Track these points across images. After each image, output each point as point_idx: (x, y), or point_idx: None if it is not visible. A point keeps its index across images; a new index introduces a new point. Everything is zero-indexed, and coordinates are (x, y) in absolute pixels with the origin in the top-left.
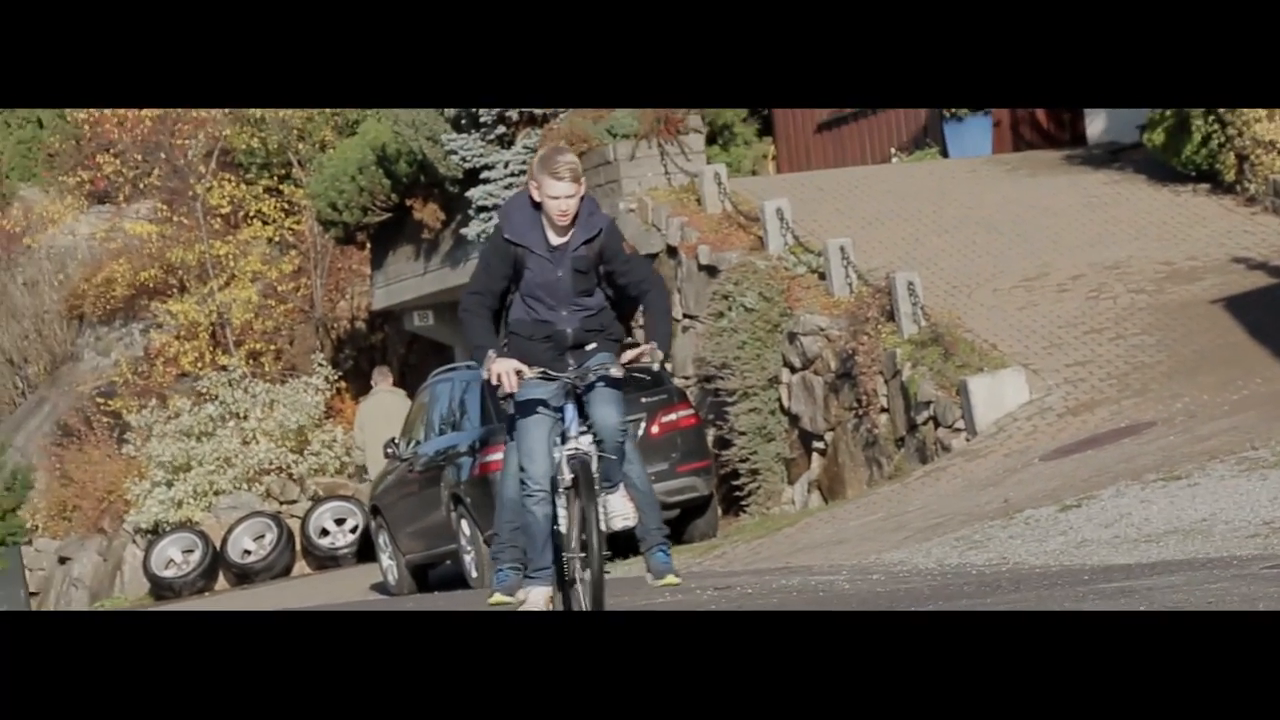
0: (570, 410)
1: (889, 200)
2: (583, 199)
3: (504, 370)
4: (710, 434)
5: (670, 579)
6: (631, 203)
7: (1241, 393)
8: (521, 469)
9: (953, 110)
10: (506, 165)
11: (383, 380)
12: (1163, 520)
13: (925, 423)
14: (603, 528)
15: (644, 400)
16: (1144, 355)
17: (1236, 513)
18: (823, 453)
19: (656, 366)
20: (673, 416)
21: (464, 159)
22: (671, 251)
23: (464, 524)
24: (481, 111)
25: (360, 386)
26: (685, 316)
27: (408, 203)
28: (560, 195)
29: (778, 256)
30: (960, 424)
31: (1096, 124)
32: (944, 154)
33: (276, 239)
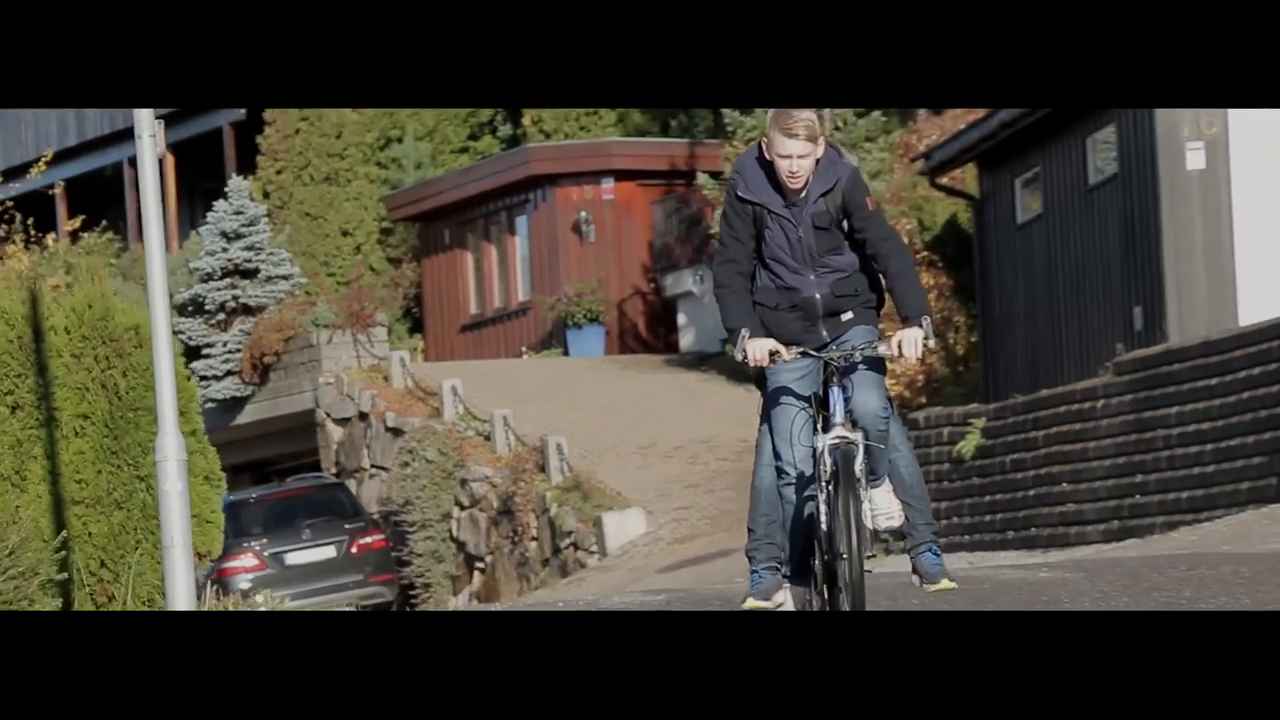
0: (835, 393)
1: (534, 385)
2: (821, 154)
3: (758, 350)
4: (395, 555)
5: (945, 584)
6: (330, 378)
7: None
8: (776, 455)
9: (573, 320)
10: (225, 345)
11: None
12: None
13: (568, 547)
14: (867, 525)
15: (346, 526)
16: (729, 504)
17: None
18: (483, 571)
19: (918, 355)
20: (368, 539)
21: (189, 338)
22: (363, 416)
23: None
24: (206, 299)
25: None
26: (374, 466)
27: None
28: (791, 154)
29: (452, 422)
30: (595, 548)
31: (688, 336)
32: (566, 353)
33: None
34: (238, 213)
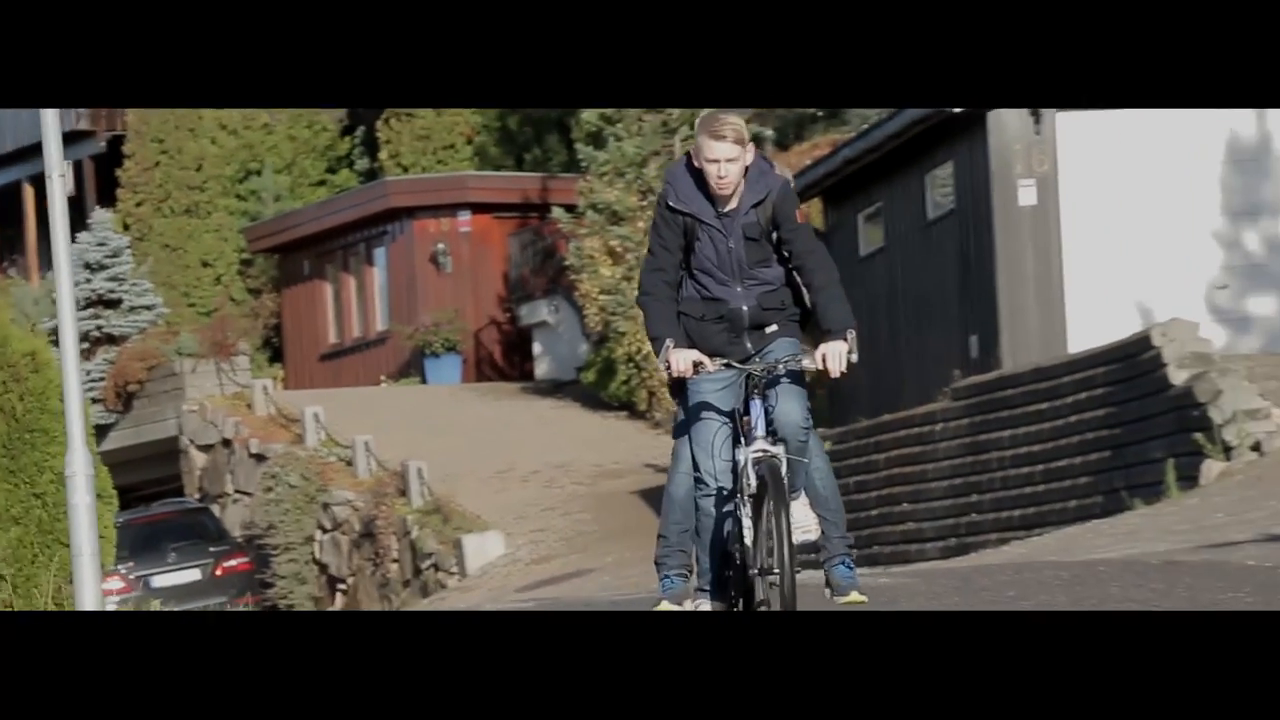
0: (756, 406)
1: (393, 412)
2: (750, 161)
3: (682, 360)
4: (259, 577)
5: (855, 596)
6: (193, 405)
7: (647, 551)
8: (695, 466)
9: (430, 349)
10: (88, 374)
11: None
12: None
13: (428, 568)
14: (794, 540)
15: (211, 549)
16: (584, 526)
17: None
18: (345, 592)
19: (843, 369)
20: (232, 562)
21: None
22: (227, 443)
23: None
24: None
25: None
26: (237, 491)
27: None
28: (720, 158)
29: (314, 448)
30: (455, 569)
31: (543, 364)
32: (424, 381)
33: None
34: (101, 244)
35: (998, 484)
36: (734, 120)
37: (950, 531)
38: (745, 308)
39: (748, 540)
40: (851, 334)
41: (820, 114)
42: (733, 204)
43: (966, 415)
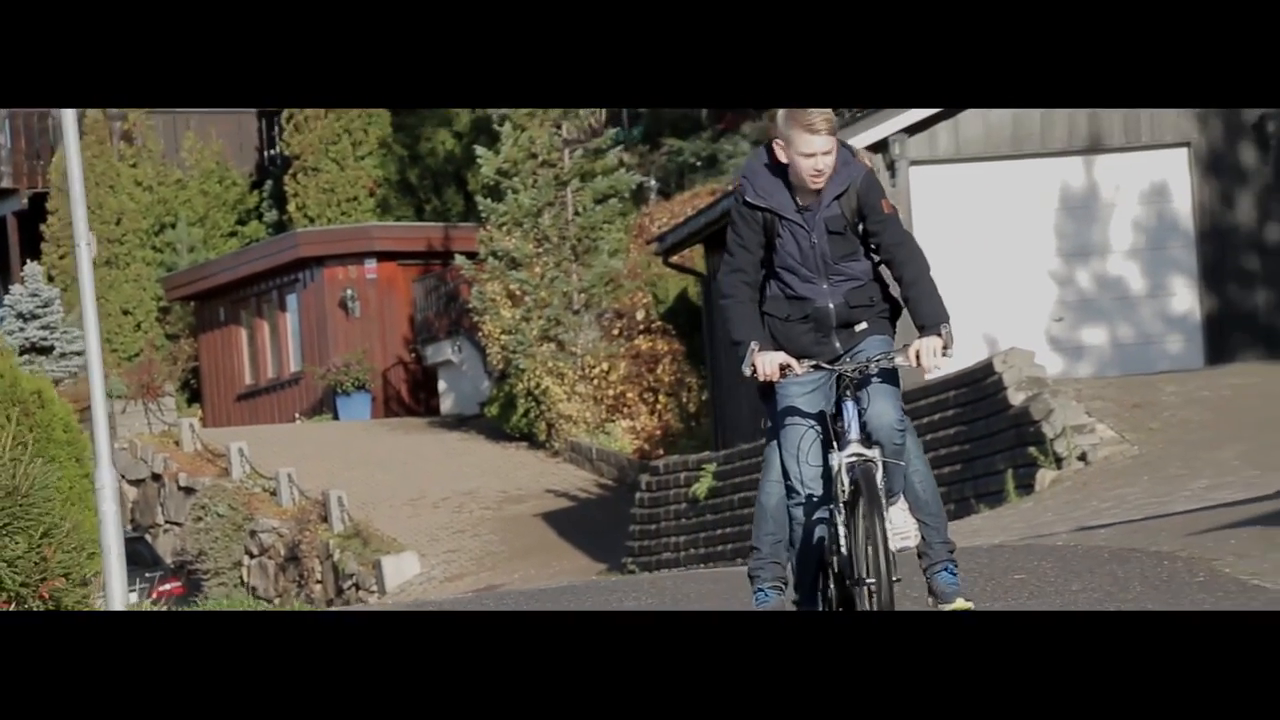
0: (849, 408)
1: (311, 447)
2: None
3: (768, 364)
4: (191, 600)
5: (960, 603)
6: (124, 444)
7: (553, 568)
8: (785, 474)
9: (341, 388)
10: None
11: None
12: None
13: (350, 587)
14: (894, 548)
15: (147, 575)
16: (492, 547)
17: None
18: None
19: (937, 366)
20: (167, 587)
21: None
22: (156, 477)
23: None
24: None
25: None
26: (168, 522)
27: None
28: (816, 151)
29: (240, 480)
30: (375, 588)
31: (448, 400)
32: (336, 418)
33: None
34: (34, 295)
35: None
36: (826, 111)
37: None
38: (832, 305)
39: (844, 549)
40: (946, 329)
41: (699, 163)
42: (813, 197)
43: None
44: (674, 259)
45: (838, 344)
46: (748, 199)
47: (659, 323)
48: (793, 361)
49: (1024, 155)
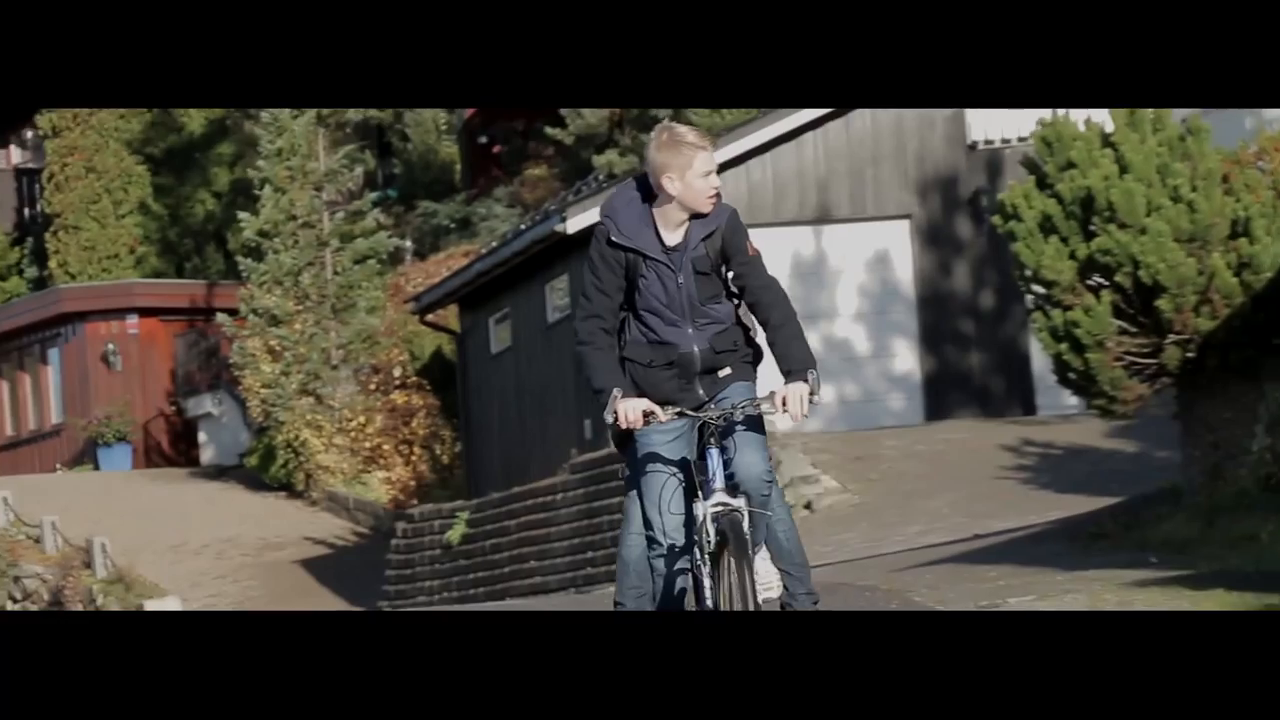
0: (713, 456)
1: (75, 496)
2: None
3: (631, 411)
4: None
5: None
6: None
7: (296, 603)
8: (647, 524)
9: (103, 439)
10: None
11: None
12: None
13: None
14: (759, 599)
15: None
16: (253, 591)
17: None
18: None
19: (804, 413)
20: None
21: None
22: None
23: None
24: None
25: None
26: None
27: None
28: (712, 169)
29: (3, 528)
30: None
31: (208, 451)
32: (97, 468)
33: None
34: None
35: (609, 542)
36: (697, 127)
37: (570, 583)
38: (697, 350)
39: (709, 601)
40: (814, 375)
41: (453, 225)
42: (680, 237)
43: (582, 486)
44: (430, 317)
45: (701, 390)
46: (612, 238)
47: (414, 378)
48: (656, 408)
49: (759, 224)
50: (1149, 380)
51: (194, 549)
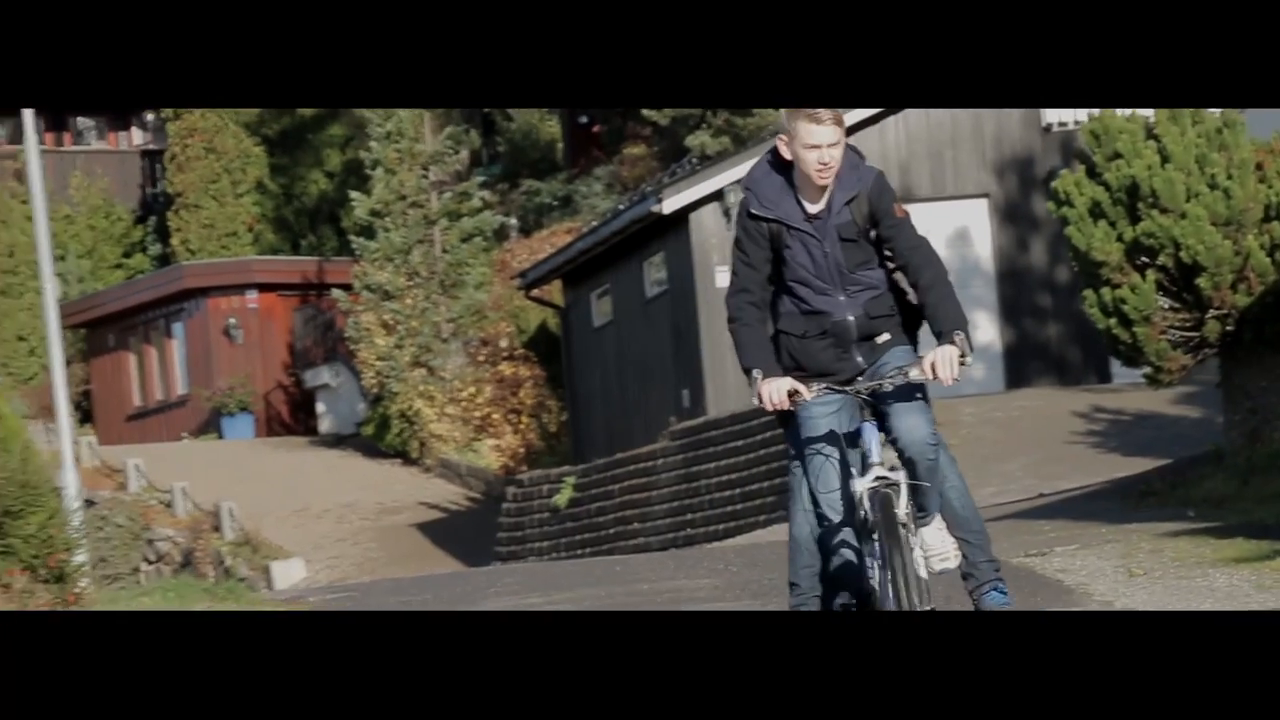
0: (869, 430)
1: (202, 463)
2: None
3: (775, 393)
4: None
5: None
6: None
7: (427, 571)
8: (814, 501)
9: (226, 409)
10: None
11: None
12: None
13: None
14: (921, 574)
15: None
16: (372, 553)
17: None
18: None
19: (955, 376)
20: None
21: None
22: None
23: None
24: None
25: None
26: None
27: None
28: (821, 143)
29: (136, 494)
30: (266, 591)
31: (326, 421)
32: (221, 437)
33: None
34: None
35: (706, 505)
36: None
37: (670, 543)
38: (852, 318)
39: (873, 580)
40: (962, 336)
41: (555, 203)
42: (822, 204)
43: (681, 452)
44: (535, 293)
45: (860, 359)
46: (752, 210)
47: (521, 350)
48: (800, 387)
49: None
50: (1192, 351)
51: (315, 513)
